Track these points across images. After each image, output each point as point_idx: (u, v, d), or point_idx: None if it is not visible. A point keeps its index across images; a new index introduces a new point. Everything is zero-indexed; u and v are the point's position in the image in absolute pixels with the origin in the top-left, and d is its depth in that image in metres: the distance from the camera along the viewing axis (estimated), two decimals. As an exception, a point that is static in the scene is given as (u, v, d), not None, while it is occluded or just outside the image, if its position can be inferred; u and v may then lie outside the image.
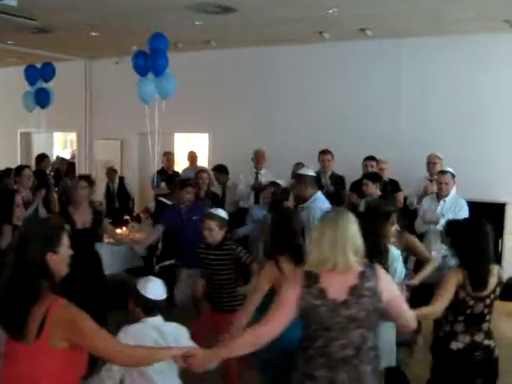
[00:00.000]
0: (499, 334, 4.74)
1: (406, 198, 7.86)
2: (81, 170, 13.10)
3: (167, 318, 3.43)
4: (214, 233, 4.97)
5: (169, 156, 10.04)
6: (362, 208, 6.21)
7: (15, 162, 11.92)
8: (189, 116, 10.79)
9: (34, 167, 9.34)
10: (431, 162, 7.79)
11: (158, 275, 3.97)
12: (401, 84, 9.37)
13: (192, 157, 10.26)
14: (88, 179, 6.63)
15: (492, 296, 3.76)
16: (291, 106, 10.24)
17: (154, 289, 3.44)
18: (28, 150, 13.88)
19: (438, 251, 5.99)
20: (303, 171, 6.09)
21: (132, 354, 2.81)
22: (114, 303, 5.11)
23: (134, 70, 8.07)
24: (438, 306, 3.68)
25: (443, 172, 6.79)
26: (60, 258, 2.74)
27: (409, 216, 6.95)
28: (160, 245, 7.42)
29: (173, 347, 3.11)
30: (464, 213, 6.47)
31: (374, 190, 6.72)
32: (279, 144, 9.72)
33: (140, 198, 11.33)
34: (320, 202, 5.76)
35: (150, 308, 3.40)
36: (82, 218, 5.85)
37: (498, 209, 8.19)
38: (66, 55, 11.69)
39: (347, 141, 9.17)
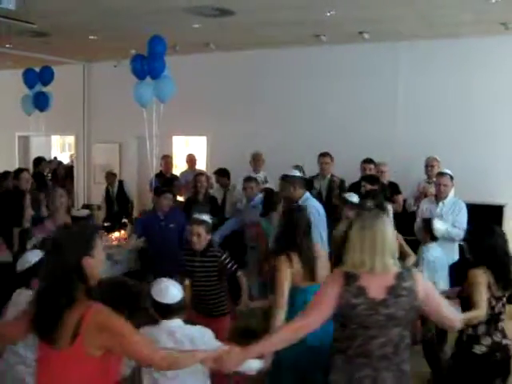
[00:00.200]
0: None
1: (405, 201, 7.88)
2: (79, 173, 13.10)
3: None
4: (202, 238, 4.97)
5: (167, 159, 10.05)
6: None
7: (13, 165, 11.91)
8: (187, 119, 10.79)
9: (31, 170, 9.35)
10: (429, 165, 7.81)
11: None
12: (398, 87, 9.38)
13: (191, 160, 10.27)
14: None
15: (506, 294, 3.94)
16: (289, 108, 10.25)
17: (165, 292, 3.44)
18: (26, 153, 13.86)
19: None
20: (290, 172, 6.05)
21: (166, 358, 2.78)
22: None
23: (132, 74, 8.08)
24: (482, 309, 3.80)
25: (442, 174, 6.78)
26: (95, 262, 2.73)
27: (408, 218, 6.97)
28: None
29: (200, 351, 3.06)
30: (463, 215, 6.48)
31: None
32: (277, 147, 9.72)
33: (138, 202, 11.33)
34: (312, 202, 5.75)
35: (164, 311, 3.42)
36: (56, 225, 5.79)
37: (496, 211, 8.19)
38: (65, 59, 11.69)
39: (344, 144, 9.18)
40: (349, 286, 2.99)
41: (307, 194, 5.90)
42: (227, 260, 5.02)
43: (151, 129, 8.25)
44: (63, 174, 11.32)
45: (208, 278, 4.94)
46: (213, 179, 9.09)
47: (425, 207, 6.82)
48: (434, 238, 5.61)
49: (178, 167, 11.88)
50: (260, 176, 8.78)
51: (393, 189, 7.78)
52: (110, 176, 10.26)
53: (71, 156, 14.84)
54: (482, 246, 4.02)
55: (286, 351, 3.27)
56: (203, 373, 3.35)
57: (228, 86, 10.75)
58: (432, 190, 7.15)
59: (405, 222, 6.64)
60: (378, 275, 2.99)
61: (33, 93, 10.39)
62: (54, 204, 6.03)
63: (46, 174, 9.89)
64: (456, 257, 6.45)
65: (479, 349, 3.85)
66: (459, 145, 8.76)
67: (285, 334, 3.09)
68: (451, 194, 6.73)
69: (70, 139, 14.91)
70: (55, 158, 12.90)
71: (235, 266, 5.06)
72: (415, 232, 6.30)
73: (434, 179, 7.07)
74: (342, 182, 8.13)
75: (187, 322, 3.52)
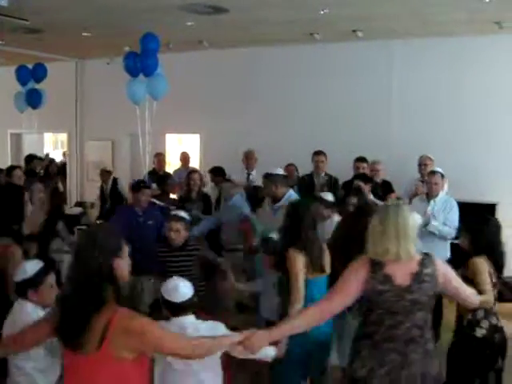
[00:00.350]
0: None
1: (398, 199, 7.88)
2: (72, 170, 13.07)
3: None
4: (181, 235, 5.04)
5: (160, 157, 10.02)
6: None
7: (5, 162, 11.86)
8: (180, 117, 10.77)
9: (23, 168, 9.30)
10: (423, 164, 7.80)
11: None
12: (392, 85, 9.40)
13: (185, 158, 10.24)
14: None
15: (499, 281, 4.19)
16: (282, 106, 10.25)
17: (175, 291, 3.47)
18: (18, 150, 13.80)
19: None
20: (272, 171, 6.04)
21: (197, 347, 2.78)
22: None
23: (125, 71, 8.05)
24: (490, 295, 4.00)
25: (433, 172, 6.81)
26: (124, 263, 2.72)
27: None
28: None
29: (225, 337, 3.08)
30: (454, 213, 6.50)
31: (366, 191, 6.73)
32: (270, 145, 9.70)
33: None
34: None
35: (174, 309, 3.45)
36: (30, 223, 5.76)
37: (489, 209, 8.20)
38: (57, 55, 11.64)
39: (338, 142, 9.17)
40: (375, 274, 3.10)
41: (290, 191, 5.91)
42: (208, 252, 5.17)
43: (144, 126, 8.23)
44: (55, 172, 11.27)
45: (188, 272, 4.89)
46: (207, 177, 9.07)
47: (415, 205, 6.84)
48: None
49: (172, 165, 11.85)
50: (253, 174, 8.79)
51: (386, 187, 7.78)
52: (105, 173, 10.23)
53: (64, 153, 14.78)
54: (483, 236, 4.20)
55: (293, 345, 3.33)
56: (217, 360, 3.41)
57: (221, 84, 10.74)
58: (424, 188, 7.17)
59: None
60: (402, 262, 3.10)
61: (25, 90, 10.35)
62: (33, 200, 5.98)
63: (37, 171, 9.82)
64: (448, 255, 6.46)
65: (480, 332, 4.02)
66: (452, 144, 8.79)
67: (310, 315, 3.16)
68: (442, 192, 6.75)
69: (63, 136, 14.85)
70: (47, 154, 12.83)
71: (216, 257, 5.19)
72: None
73: (426, 177, 7.08)
74: (336, 180, 8.13)
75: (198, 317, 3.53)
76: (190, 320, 3.46)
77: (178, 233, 5.03)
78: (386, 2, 7.21)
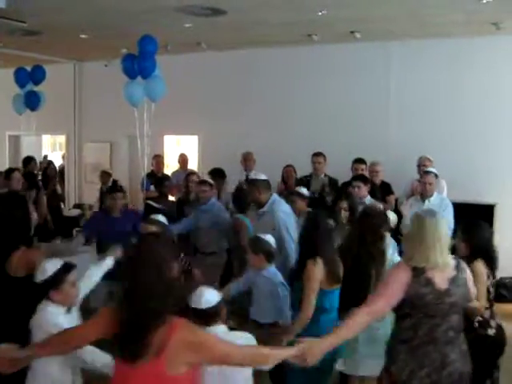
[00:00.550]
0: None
1: (397, 200, 7.89)
2: (70, 173, 13.06)
3: None
4: None
5: (158, 159, 10.01)
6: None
7: (3, 164, 11.86)
8: (178, 118, 10.77)
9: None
10: (422, 164, 7.82)
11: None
12: (390, 86, 9.40)
13: (183, 160, 10.23)
14: None
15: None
16: (281, 108, 10.25)
17: (199, 298, 3.38)
18: (17, 152, 13.79)
19: None
20: (254, 176, 6.02)
21: (258, 356, 2.79)
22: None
23: (123, 73, 8.05)
24: (485, 299, 4.18)
25: (427, 172, 6.86)
26: (176, 272, 2.74)
27: (400, 218, 6.98)
28: None
29: (280, 349, 3.07)
30: (449, 212, 6.54)
31: (365, 192, 6.74)
32: (269, 146, 9.71)
33: (129, 201, 11.28)
34: (279, 205, 5.74)
35: (200, 317, 3.33)
36: None
37: (487, 210, 8.21)
38: (55, 58, 11.64)
39: (336, 143, 9.16)
40: (417, 278, 3.23)
41: (274, 196, 5.87)
42: (182, 257, 5.07)
43: (142, 128, 8.23)
44: (54, 174, 11.25)
45: None
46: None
47: (410, 205, 6.87)
48: None
49: (170, 167, 11.85)
50: (251, 176, 8.75)
51: (385, 189, 7.79)
52: (105, 175, 10.19)
53: (63, 156, 14.76)
54: (480, 239, 4.37)
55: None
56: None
57: (220, 86, 10.73)
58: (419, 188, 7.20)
59: (397, 221, 6.65)
60: (440, 268, 3.27)
61: (24, 92, 10.34)
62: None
63: (36, 172, 9.82)
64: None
65: (491, 331, 4.22)
66: (450, 145, 8.79)
67: (360, 320, 3.23)
68: (444, 193, 6.78)
69: (61, 139, 14.84)
70: (45, 156, 12.83)
71: (188, 263, 5.17)
72: (401, 230, 6.33)
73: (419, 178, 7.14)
74: (335, 181, 8.13)
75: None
76: (221, 330, 3.38)
77: None
78: (383, 4, 7.22)
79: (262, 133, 10.16)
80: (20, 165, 10.61)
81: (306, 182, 8.16)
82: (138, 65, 7.83)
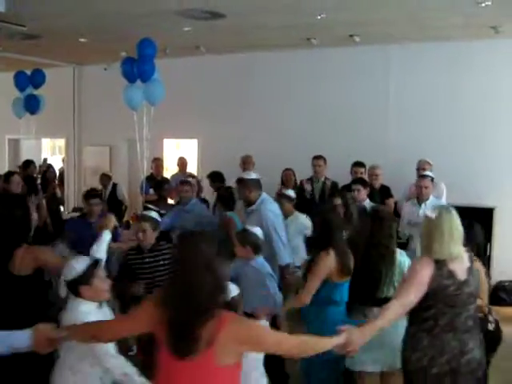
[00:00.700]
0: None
1: (396, 203, 7.89)
2: (69, 176, 13.06)
3: None
4: (148, 234, 5.00)
5: (158, 162, 10.02)
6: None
7: (3, 168, 11.85)
8: (178, 122, 10.77)
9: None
10: (421, 168, 7.82)
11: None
12: (389, 90, 9.40)
13: (182, 163, 10.24)
14: None
15: None
16: (280, 111, 10.25)
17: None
18: (16, 156, 13.79)
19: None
20: (245, 175, 6.06)
21: (303, 345, 2.83)
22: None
23: (122, 77, 8.06)
24: (486, 298, 4.33)
25: (423, 176, 6.89)
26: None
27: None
28: None
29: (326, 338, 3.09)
30: None
31: (364, 195, 6.76)
32: (268, 150, 9.72)
33: (129, 205, 11.28)
34: (268, 205, 5.78)
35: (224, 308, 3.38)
36: None
37: (487, 213, 8.22)
38: (55, 61, 11.65)
39: (335, 147, 9.15)
40: (441, 271, 3.40)
41: (263, 195, 5.90)
42: None
43: (142, 132, 8.23)
44: (53, 177, 11.25)
45: (161, 272, 4.89)
46: (203, 182, 9.08)
47: (407, 209, 6.88)
48: None
49: (169, 170, 11.85)
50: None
51: (385, 192, 7.80)
52: (104, 178, 10.19)
53: (63, 160, 14.77)
54: (474, 239, 4.43)
55: None
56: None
57: (219, 89, 10.74)
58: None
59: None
60: (458, 259, 3.47)
61: (24, 96, 10.34)
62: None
63: (35, 175, 9.82)
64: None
65: (491, 326, 4.29)
66: (449, 148, 8.79)
67: (397, 310, 3.33)
68: (443, 196, 6.79)
69: (61, 142, 14.85)
70: (45, 160, 12.81)
71: None
72: (399, 233, 6.33)
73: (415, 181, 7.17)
74: (335, 184, 8.14)
75: None
76: None
77: (145, 233, 4.99)
78: (382, 7, 7.23)
79: (262, 136, 10.16)
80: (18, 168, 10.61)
81: (306, 185, 8.16)
82: (138, 68, 7.83)
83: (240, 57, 10.39)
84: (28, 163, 9.94)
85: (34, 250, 3.93)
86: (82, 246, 5.67)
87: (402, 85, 9.32)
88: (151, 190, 8.60)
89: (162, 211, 7.21)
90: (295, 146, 9.74)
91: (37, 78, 10.25)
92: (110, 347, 3.15)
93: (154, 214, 5.22)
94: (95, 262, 3.46)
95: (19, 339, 2.85)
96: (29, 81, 10.29)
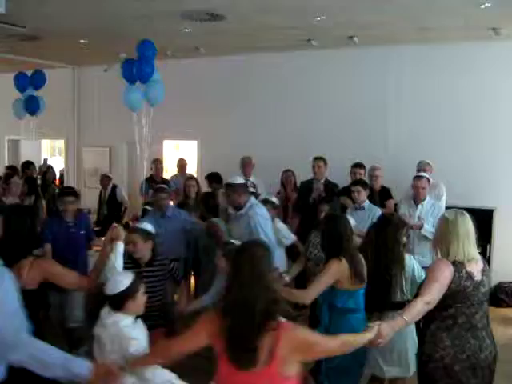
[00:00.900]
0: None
1: (396, 205, 7.88)
2: (69, 177, 13.06)
3: None
4: (139, 247, 4.80)
5: (157, 163, 10.00)
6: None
7: (2, 169, 11.84)
8: (178, 123, 10.78)
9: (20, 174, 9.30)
10: (422, 169, 7.80)
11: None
12: (388, 91, 9.40)
13: (182, 165, 10.23)
14: None
15: None
16: (280, 112, 10.26)
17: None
18: (16, 157, 13.78)
19: (422, 255, 6.02)
20: (233, 180, 6.01)
21: (344, 344, 2.90)
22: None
23: (122, 78, 8.06)
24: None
25: (419, 177, 6.87)
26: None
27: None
28: None
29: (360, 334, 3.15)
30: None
31: (364, 197, 6.76)
32: (268, 151, 9.72)
33: (129, 206, 11.28)
34: (257, 209, 5.78)
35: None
36: None
37: (486, 215, 8.21)
38: (55, 62, 11.65)
39: (335, 148, 9.14)
40: (459, 272, 3.53)
41: (252, 200, 5.90)
42: (175, 268, 5.04)
43: (141, 133, 8.23)
44: (53, 178, 11.25)
45: (157, 288, 4.81)
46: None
47: (403, 210, 6.88)
48: None
49: (169, 171, 11.84)
50: (250, 180, 8.76)
51: (385, 194, 7.78)
52: (104, 179, 10.19)
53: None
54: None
55: None
56: None
57: (219, 91, 10.75)
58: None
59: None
60: (474, 261, 3.60)
61: (24, 97, 10.35)
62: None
63: (35, 176, 9.83)
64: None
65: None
66: (449, 149, 8.79)
67: (421, 307, 3.40)
68: (443, 199, 6.78)
69: (60, 143, 14.84)
70: (45, 160, 12.81)
71: (180, 276, 5.13)
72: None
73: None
74: (335, 186, 8.13)
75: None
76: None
77: (135, 246, 4.77)
78: (382, 9, 7.22)
79: (261, 138, 10.17)
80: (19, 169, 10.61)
81: (306, 186, 8.14)
82: (137, 70, 7.83)
83: (240, 58, 10.39)
84: (27, 164, 9.94)
85: (42, 263, 3.84)
86: (57, 245, 5.76)
87: (401, 87, 9.31)
88: (151, 192, 8.58)
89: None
90: (295, 147, 9.74)
91: (37, 80, 10.27)
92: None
93: (145, 225, 5.01)
94: (139, 277, 3.50)
95: (80, 366, 2.88)
96: (29, 82, 10.30)
